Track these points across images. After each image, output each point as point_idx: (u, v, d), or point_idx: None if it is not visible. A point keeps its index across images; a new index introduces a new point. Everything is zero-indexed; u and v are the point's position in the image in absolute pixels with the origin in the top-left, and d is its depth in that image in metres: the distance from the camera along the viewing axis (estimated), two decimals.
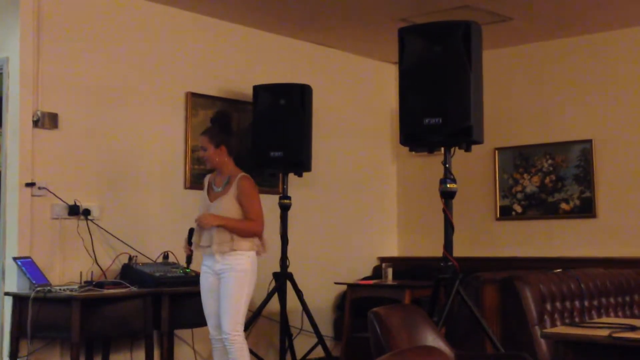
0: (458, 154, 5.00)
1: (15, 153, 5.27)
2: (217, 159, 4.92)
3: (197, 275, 5.58)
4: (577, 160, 6.91)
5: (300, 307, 6.17)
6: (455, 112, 4.77)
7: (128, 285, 5.28)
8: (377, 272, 7.24)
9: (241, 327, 4.79)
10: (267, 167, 6.21)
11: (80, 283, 5.25)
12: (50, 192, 5.33)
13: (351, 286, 6.37)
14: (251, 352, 5.59)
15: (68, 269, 5.39)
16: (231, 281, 4.77)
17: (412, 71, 4.94)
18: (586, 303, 5.02)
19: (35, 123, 5.32)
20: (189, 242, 4.94)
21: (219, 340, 4.88)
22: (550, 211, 7.02)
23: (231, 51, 6.61)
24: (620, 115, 6.74)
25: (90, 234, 5.48)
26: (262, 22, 6.61)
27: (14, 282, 5.18)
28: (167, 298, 5.29)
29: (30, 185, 5.25)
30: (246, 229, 4.80)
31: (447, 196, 4.92)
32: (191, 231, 4.94)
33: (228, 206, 4.82)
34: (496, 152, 7.29)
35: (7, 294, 5.15)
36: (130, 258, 5.59)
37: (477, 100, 4.82)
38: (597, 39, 6.88)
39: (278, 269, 6.10)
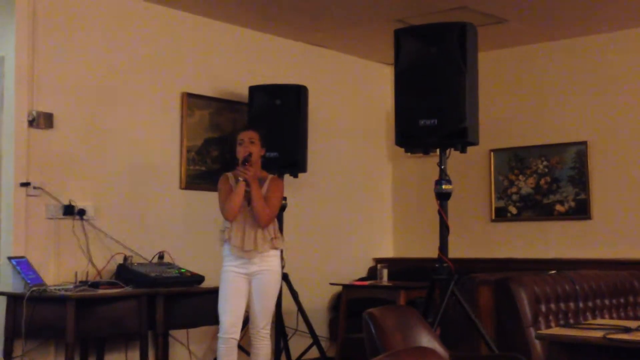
0: (453, 155, 5.01)
1: (11, 153, 5.26)
2: (257, 156, 5.05)
3: (193, 275, 5.60)
4: (572, 162, 6.92)
5: (295, 308, 6.17)
6: (450, 114, 4.78)
7: (123, 285, 5.27)
8: (373, 273, 7.25)
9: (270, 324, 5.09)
10: (262, 167, 6.20)
11: (75, 283, 5.24)
12: (45, 191, 5.33)
13: (346, 287, 6.37)
14: (245, 351, 5.59)
15: (63, 269, 5.38)
16: (270, 282, 4.99)
17: (407, 72, 4.95)
18: (581, 304, 5.02)
19: (31, 123, 5.31)
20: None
21: (230, 340, 4.88)
22: (545, 213, 7.03)
23: (227, 52, 6.61)
24: (615, 117, 6.75)
25: (85, 233, 5.48)
26: (258, 22, 6.61)
27: (8, 281, 5.16)
28: (162, 298, 5.29)
29: (25, 185, 5.25)
30: (262, 209, 4.90)
31: (443, 197, 4.92)
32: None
33: None
34: (491, 153, 7.30)
35: (1, 293, 5.14)
36: (126, 258, 5.58)
37: (473, 101, 4.83)
38: (592, 41, 6.89)
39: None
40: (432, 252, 5.26)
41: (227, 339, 4.88)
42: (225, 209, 4.95)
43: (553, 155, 7.02)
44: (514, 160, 7.22)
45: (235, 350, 4.91)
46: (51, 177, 5.39)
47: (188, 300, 5.49)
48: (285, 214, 6.22)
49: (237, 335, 4.92)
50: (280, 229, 6.11)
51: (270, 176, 5.14)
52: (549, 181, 7.04)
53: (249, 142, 5.01)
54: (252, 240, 4.91)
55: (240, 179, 4.92)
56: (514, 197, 7.21)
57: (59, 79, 5.50)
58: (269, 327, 5.02)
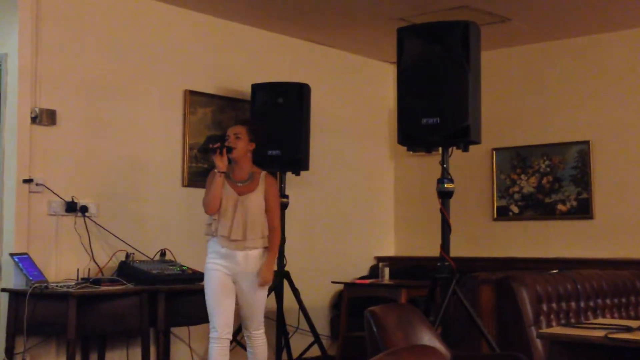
0: (455, 154, 5.00)
1: (13, 149, 5.26)
2: (243, 151, 4.94)
3: (194, 272, 5.60)
4: (575, 161, 6.92)
5: (296, 306, 6.17)
6: (453, 112, 4.78)
7: (125, 282, 5.28)
8: (374, 271, 7.25)
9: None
10: (264, 165, 6.18)
11: (77, 280, 5.25)
12: (48, 188, 5.33)
13: (348, 285, 6.37)
14: (245, 348, 5.59)
15: (65, 266, 5.39)
16: (255, 285, 4.87)
17: (410, 71, 4.95)
18: (582, 304, 5.02)
19: (33, 119, 5.31)
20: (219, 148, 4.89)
21: (225, 340, 4.82)
22: (547, 212, 7.03)
23: (230, 49, 6.61)
24: (618, 117, 6.75)
25: (87, 230, 5.48)
26: (261, 20, 6.61)
27: (10, 278, 5.17)
28: (164, 296, 5.29)
29: (28, 181, 5.25)
30: (278, 244, 5.02)
31: (445, 196, 4.92)
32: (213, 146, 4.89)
33: (259, 203, 4.90)
34: (494, 152, 7.30)
35: (3, 290, 5.15)
36: (128, 255, 5.59)
37: (475, 100, 4.83)
38: (595, 41, 6.89)
39: (275, 268, 6.10)
40: (433, 250, 5.26)
41: (221, 339, 4.81)
42: (204, 203, 4.89)
43: (555, 155, 7.02)
44: (516, 159, 7.22)
45: (228, 350, 4.85)
46: (54, 174, 5.40)
47: (189, 297, 5.48)
48: (287, 212, 6.22)
49: (231, 335, 4.87)
50: (282, 228, 6.14)
51: (263, 172, 5.02)
52: (551, 180, 7.03)
53: (235, 137, 4.94)
54: (240, 231, 4.81)
55: (216, 171, 4.87)
56: (516, 196, 7.21)
57: (62, 76, 5.51)
58: (262, 326, 4.95)
